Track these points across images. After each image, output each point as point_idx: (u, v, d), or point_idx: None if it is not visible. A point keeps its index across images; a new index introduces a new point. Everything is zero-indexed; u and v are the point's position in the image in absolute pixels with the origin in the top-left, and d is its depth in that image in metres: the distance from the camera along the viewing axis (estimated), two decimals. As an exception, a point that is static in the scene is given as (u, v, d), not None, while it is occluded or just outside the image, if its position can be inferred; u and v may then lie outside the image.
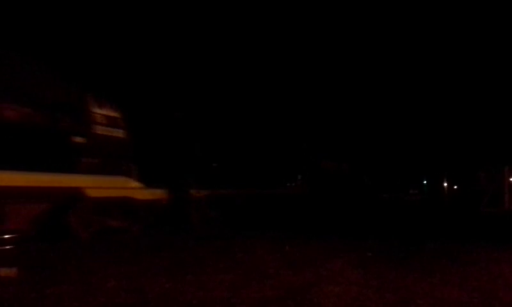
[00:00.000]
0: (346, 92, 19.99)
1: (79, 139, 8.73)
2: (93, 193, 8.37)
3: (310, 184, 18.93)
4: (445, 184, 45.33)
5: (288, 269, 5.69)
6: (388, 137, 24.83)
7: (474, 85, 22.72)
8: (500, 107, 23.15)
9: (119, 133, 9.67)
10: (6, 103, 7.68)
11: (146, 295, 4.42)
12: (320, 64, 18.29)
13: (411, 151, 29.64)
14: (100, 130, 9.24)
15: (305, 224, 12.13)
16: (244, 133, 14.40)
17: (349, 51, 19.25)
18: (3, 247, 6.87)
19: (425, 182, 53.81)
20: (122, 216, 9.05)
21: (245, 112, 14.62)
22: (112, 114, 9.61)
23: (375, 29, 19.25)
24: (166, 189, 10.35)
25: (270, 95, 15.61)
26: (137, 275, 5.22)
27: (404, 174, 42.59)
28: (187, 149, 11.74)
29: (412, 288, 4.82)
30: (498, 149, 24.69)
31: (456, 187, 41.65)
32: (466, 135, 25.97)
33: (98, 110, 9.32)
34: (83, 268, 5.53)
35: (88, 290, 4.56)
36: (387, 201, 28.31)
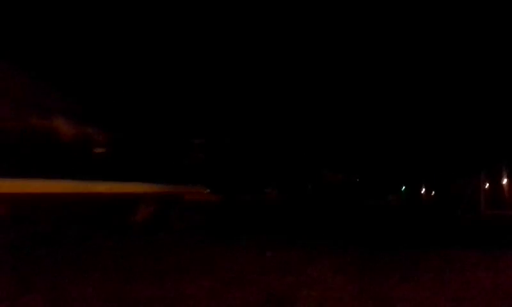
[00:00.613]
0: (344, 120, 24.48)
1: (185, 161, 13.56)
2: (187, 197, 12.11)
3: (316, 191, 24.58)
4: (423, 190, 46.10)
5: (269, 274, 5.68)
6: (373, 149, 28.30)
7: (450, 96, 23.31)
8: (475, 116, 23.74)
9: (202, 155, 14.71)
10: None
11: (124, 303, 4.34)
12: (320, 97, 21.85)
13: (391, 159, 30.70)
14: (194, 154, 14.36)
15: (297, 227, 13.31)
16: (272, 154, 19.88)
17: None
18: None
19: (403, 189, 54.71)
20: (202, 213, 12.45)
21: (273, 140, 20.09)
22: (199, 141, 14.47)
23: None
24: (222, 194, 14.54)
25: (289, 127, 20.46)
26: (116, 282, 5.12)
27: (383, 181, 43.66)
28: (235, 165, 16.87)
29: (391, 294, 4.87)
30: (473, 156, 25.28)
31: (433, 193, 42.41)
32: (443, 144, 26.56)
33: (194, 140, 14.38)
34: (60, 275, 5.40)
35: (64, 298, 4.45)
36: (369, 207, 29.12)
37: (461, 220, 18.35)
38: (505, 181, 29.32)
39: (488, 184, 26.24)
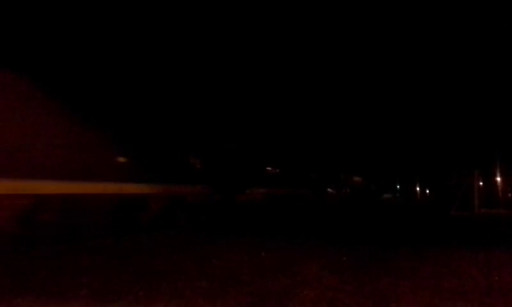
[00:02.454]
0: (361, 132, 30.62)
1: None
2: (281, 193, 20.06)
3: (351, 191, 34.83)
4: (418, 188, 46.31)
5: (264, 275, 5.68)
6: (374, 151, 33.63)
7: (444, 94, 23.49)
8: (468, 114, 23.88)
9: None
10: None
11: (119, 304, 4.34)
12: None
13: (387, 158, 31.96)
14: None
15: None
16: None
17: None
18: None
19: (398, 187, 54.97)
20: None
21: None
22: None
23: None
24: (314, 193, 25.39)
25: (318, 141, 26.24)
26: (111, 282, 5.11)
27: (380, 180, 44.79)
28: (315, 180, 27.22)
29: (386, 292, 4.89)
30: (467, 154, 25.43)
31: (428, 191, 42.64)
32: (437, 141, 26.73)
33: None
34: (54, 276, 5.38)
35: (58, 299, 4.44)
36: (371, 204, 31.15)
37: (456, 218, 18.44)
38: (498, 179, 29.50)
39: (481, 182, 26.38)
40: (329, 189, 30.09)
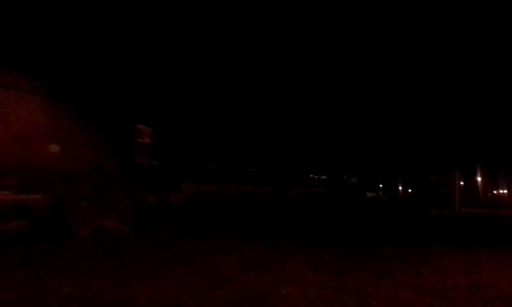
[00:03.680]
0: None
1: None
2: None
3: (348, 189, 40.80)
4: (400, 187, 46.96)
5: (247, 273, 5.69)
6: (363, 151, 35.87)
7: (426, 95, 23.89)
8: (450, 115, 24.28)
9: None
10: None
11: (101, 302, 4.30)
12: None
13: (370, 156, 33.09)
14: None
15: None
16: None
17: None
18: None
19: (381, 185, 55.70)
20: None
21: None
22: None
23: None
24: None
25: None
26: (92, 281, 5.05)
27: (363, 177, 46.43)
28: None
29: (367, 290, 4.95)
30: (449, 154, 25.85)
31: (410, 190, 43.26)
32: (419, 141, 27.12)
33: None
34: (34, 274, 5.30)
35: (39, 297, 4.38)
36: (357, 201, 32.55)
37: (437, 217, 18.72)
38: (479, 178, 30.08)
39: (462, 182, 26.86)
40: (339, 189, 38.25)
